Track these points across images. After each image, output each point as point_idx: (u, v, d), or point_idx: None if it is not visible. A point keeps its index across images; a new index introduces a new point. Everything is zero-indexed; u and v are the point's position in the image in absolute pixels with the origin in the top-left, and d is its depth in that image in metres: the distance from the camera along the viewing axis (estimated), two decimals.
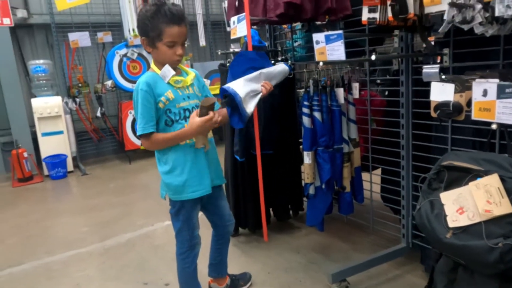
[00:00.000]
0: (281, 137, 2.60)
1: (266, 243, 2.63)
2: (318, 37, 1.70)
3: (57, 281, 2.40)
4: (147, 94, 1.61)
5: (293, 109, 2.66)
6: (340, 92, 2.17)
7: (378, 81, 2.67)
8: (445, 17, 1.28)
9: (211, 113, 1.62)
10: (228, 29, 5.59)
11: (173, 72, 1.66)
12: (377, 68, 2.63)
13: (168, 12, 1.58)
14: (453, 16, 1.29)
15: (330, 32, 1.65)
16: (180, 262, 1.85)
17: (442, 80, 1.32)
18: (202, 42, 5.62)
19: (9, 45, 4.75)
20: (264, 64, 2.05)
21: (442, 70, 1.71)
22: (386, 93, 2.58)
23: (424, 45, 1.79)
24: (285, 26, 3.02)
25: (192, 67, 5.48)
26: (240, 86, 1.80)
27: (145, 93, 1.61)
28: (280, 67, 2.08)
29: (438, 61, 2.17)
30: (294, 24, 2.70)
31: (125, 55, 5.11)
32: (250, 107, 1.81)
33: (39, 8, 5.15)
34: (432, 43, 1.95)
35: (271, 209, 2.82)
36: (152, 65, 1.71)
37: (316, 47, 1.73)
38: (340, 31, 1.61)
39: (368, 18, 1.64)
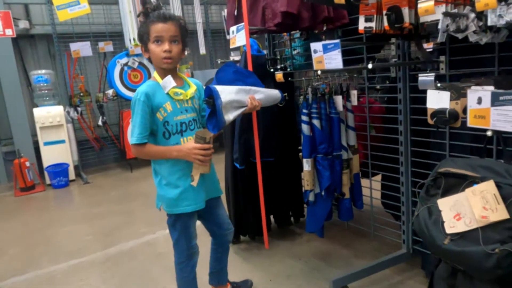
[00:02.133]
0: (281, 145, 2.62)
1: (267, 250, 2.63)
2: (315, 46, 1.72)
3: None
4: (144, 105, 1.63)
5: (293, 116, 2.69)
6: (339, 99, 2.19)
7: (378, 87, 2.69)
8: (439, 26, 1.31)
9: (205, 145, 1.64)
10: (228, 37, 5.63)
11: (174, 84, 1.67)
12: (376, 76, 2.66)
13: (155, 14, 1.66)
14: (447, 25, 1.32)
15: (327, 42, 1.67)
16: (179, 272, 1.85)
17: (437, 88, 1.34)
18: (202, 50, 5.65)
19: (11, 56, 4.80)
20: (255, 83, 1.98)
21: (439, 77, 1.74)
22: (386, 99, 2.61)
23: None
24: (284, 34, 3.06)
25: (192, 75, 5.52)
26: (226, 92, 1.75)
27: (142, 103, 1.63)
28: (273, 92, 2.02)
29: (435, 67, 2.20)
30: (292, 32, 2.73)
31: (126, 64, 5.15)
32: (229, 116, 1.75)
33: (41, 19, 5.21)
34: (431, 49, 1.98)
35: (272, 216, 2.84)
36: (154, 74, 1.73)
37: (314, 56, 1.76)
38: (337, 40, 1.64)
39: (365, 27, 1.67)
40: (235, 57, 4.16)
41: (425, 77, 1.42)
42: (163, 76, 1.69)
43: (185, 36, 1.72)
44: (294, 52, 2.81)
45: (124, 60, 5.14)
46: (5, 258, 2.95)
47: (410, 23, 1.52)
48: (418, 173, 2.07)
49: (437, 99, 1.34)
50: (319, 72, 1.76)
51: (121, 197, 4.21)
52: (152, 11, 1.67)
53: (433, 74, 1.43)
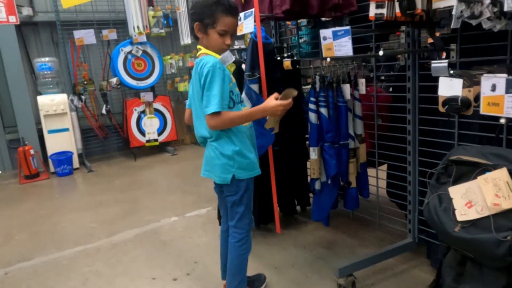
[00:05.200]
0: (287, 133, 2.61)
1: (272, 238, 2.65)
2: (325, 33, 1.71)
3: (66, 276, 2.43)
4: (224, 73, 1.65)
5: (299, 105, 2.67)
6: (347, 88, 2.18)
7: (382, 77, 2.68)
8: (453, 12, 1.29)
9: (288, 101, 1.71)
10: None
11: (234, 59, 1.75)
12: (381, 64, 2.63)
13: (227, 3, 1.66)
14: (461, 11, 1.29)
15: (337, 28, 1.65)
16: (238, 250, 1.85)
17: (450, 75, 1.32)
18: None
19: (14, 43, 4.78)
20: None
21: (449, 65, 1.72)
22: (390, 89, 2.59)
23: (430, 41, 1.80)
24: (289, 22, 3.03)
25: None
26: None
27: (223, 72, 1.64)
28: None
29: (443, 56, 2.17)
30: (299, 21, 2.70)
31: (129, 52, 5.12)
32: None
33: (45, 6, 5.17)
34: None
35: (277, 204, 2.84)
36: (206, 51, 1.72)
37: (323, 43, 1.74)
38: (348, 27, 1.62)
39: (376, 14, 1.64)
40: (240, 46, 4.13)
41: (438, 64, 1.40)
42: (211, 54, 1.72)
43: None
44: (301, 41, 2.79)
45: (128, 48, 5.11)
46: (12, 244, 2.97)
47: (422, 9, 1.50)
48: (425, 162, 2.06)
49: (449, 87, 1.33)
50: (328, 60, 1.74)
51: (125, 185, 4.22)
52: None
53: (446, 61, 1.41)
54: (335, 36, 1.67)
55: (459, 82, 1.30)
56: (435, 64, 1.44)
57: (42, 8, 5.16)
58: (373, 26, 2.14)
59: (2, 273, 2.53)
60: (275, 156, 2.45)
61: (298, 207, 2.96)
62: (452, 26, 1.29)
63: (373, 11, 1.66)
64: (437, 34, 2.02)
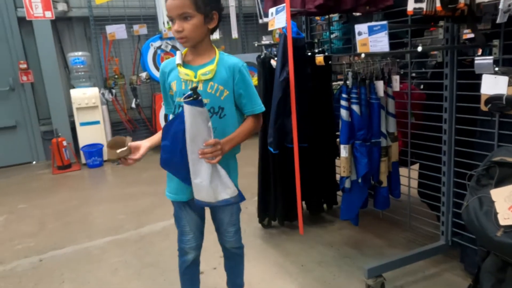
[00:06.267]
0: (316, 130, 2.58)
1: (298, 236, 2.62)
2: (360, 28, 1.66)
3: (97, 266, 2.49)
4: (162, 78, 1.61)
5: (329, 102, 2.63)
6: (380, 84, 2.12)
7: (414, 74, 2.60)
8: (500, 6, 1.23)
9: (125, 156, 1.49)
10: (260, 21, 5.57)
11: (179, 62, 1.50)
12: (412, 61, 2.56)
13: None
14: (509, 5, 1.23)
15: (373, 23, 1.61)
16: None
17: (495, 73, 1.26)
18: (235, 34, 5.64)
19: (50, 38, 4.92)
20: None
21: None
22: (422, 86, 2.51)
23: (465, 37, 1.72)
24: (318, 18, 2.97)
25: None
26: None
27: (161, 77, 1.62)
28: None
29: (479, 53, 2.08)
30: (331, 16, 2.65)
31: (159, 47, 5.19)
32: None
33: (78, 2, 5.31)
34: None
35: (304, 202, 2.81)
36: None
37: (358, 38, 1.70)
38: (384, 22, 1.57)
39: (414, 8, 1.58)
40: (268, 41, 4.10)
41: (482, 61, 1.34)
42: (190, 51, 1.54)
43: (203, 4, 1.42)
44: (332, 36, 2.74)
45: (157, 43, 5.18)
46: (45, 232, 3.08)
47: (465, 3, 1.44)
48: (461, 163, 1.98)
49: (494, 84, 1.27)
50: (362, 56, 1.70)
51: (152, 178, 4.29)
52: None
53: (491, 57, 1.34)
54: (371, 31, 1.62)
55: (504, 79, 1.24)
56: (478, 60, 1.38)
57: (76, 4, 5.30)
58: (409, 21, 2.07)
59: (37, 259, 2.63)
60: (303, 153, 2.43)
61: (324, 205, 2.92)
62: (498, 20, 1.23)
63: (411, 5, 1.60)
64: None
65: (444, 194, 2.09)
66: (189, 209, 1.66)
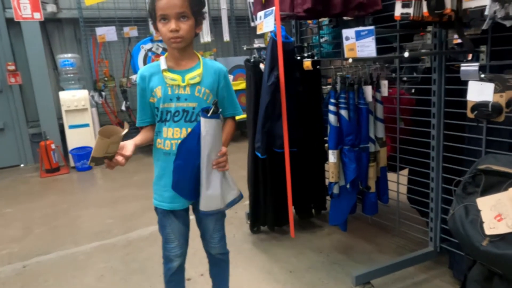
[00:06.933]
0: (306, 135, 2.56)
1: (287, 241, 2.60)
2: (348, 33, 1.65)
3: (82, 272, 2.45)
4: (138, 86, 1.55)
5: (318, 106, 2.61)
6: (369, 89, 2.11)
7: (405, 79, 2.60)
8: (486, 12, 1.22)
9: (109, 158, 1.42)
10: (252, 24, 5.56)
11: (164, 67, 1.48)
12: (403, 66, 2.55)
13: None
14: (495, 12, 1.22)
15: (360, 28, 1.60)
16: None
17: (481, 79, 1.25)
18: (226, 37, 5.61)
19: (39, 39, 4.86)
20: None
21: (479, 68, 1.63)
22: (413, 91, 2.51)
23: (456, 42, 1.71)
24: (309, 21, 2.96)
25: None
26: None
27: (137, 85, 1.56)
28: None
29: (469, 59, 2.08)
30: (320, 20, 2.64)
31: (150, 49, 5.16)
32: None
33: (68, 3, 5.26)
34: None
35: (293, 207, 2.79)
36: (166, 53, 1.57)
37: (345, 43, 1.68)
38: (372, 27, 1.56)
39: (401, 14, 1.58)
40: (260, 44, 4.09)
41: (468, 67, 1.33)
42: (172, 56, 1.51)
43: (197, 8, 1.45)
44: (322, 40, 2.73)
45: (148, 45, 5.14)
46: (31, 237, 3.02)
47: (451, 9, 1.43)
48: (449, 168, 1.98)
49: (480, 91, 1.26)
50: (350, 61, 1.68)
51: (143, 182, 4.24)
52: None
53: (477, 64, 1.33)
54: (358, 36, 1.61)
55: (490, 86, 1.23)
56: (464, 67, 1.37)
57: (66, 5, 5.25)
58: (397, 26, 2.07)
59: (21, 266, 2.58)
60: (292, 158, 2.41)
61: (313, 211, 2.91)
62: (484, 27, 1.22)
63: (399, 10, 1.59)
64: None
65: (432, 200, 2.09)
66: (173, 217, 1.65)
